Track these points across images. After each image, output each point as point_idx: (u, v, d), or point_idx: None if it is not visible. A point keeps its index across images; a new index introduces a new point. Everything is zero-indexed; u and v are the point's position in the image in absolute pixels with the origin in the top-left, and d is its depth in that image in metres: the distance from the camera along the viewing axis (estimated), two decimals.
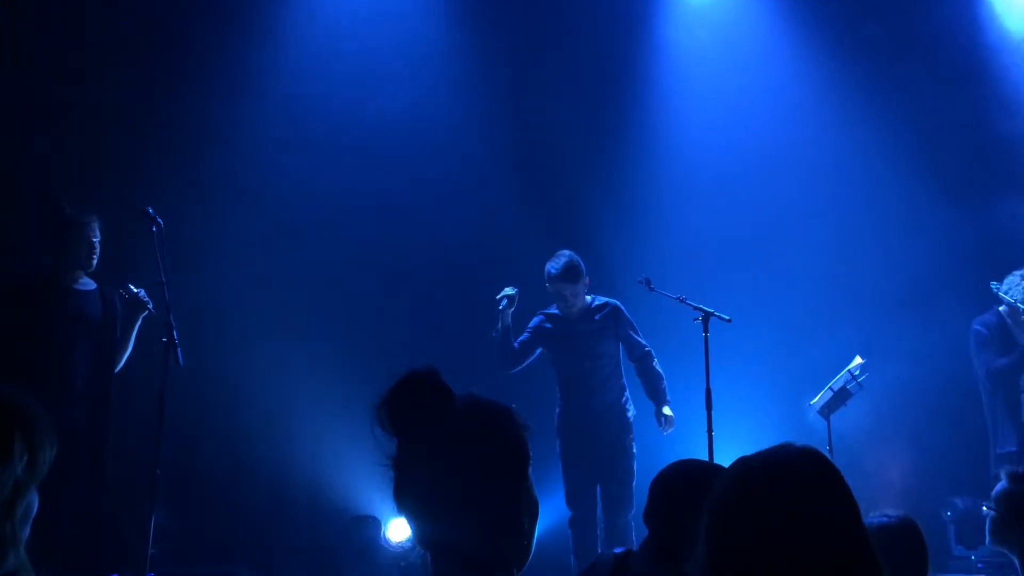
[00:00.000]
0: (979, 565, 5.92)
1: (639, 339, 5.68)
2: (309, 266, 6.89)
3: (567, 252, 5.58)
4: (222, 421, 6.41)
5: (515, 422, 1.56)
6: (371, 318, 6.96)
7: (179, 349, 4.77)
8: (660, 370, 5.67)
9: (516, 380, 5.71)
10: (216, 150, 6.64)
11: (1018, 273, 5.75)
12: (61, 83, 6.24)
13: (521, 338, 5.69)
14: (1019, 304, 5.66)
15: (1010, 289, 5.74)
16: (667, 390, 5.63)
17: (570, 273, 5.49)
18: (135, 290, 4.90)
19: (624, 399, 5.67)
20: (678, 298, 5.46)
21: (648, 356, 5.67)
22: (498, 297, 5.64)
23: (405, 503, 1.54)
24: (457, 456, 1.50)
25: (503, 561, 1.53)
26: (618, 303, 5.71)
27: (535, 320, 5.75)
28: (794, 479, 1.35)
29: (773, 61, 7.45)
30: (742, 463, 1.41)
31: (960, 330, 6.14)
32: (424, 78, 7.11)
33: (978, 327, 5.80)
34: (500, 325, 5.61)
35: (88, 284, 4.92)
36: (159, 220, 4.92)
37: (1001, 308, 5.81)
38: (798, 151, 7.27)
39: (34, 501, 1.64)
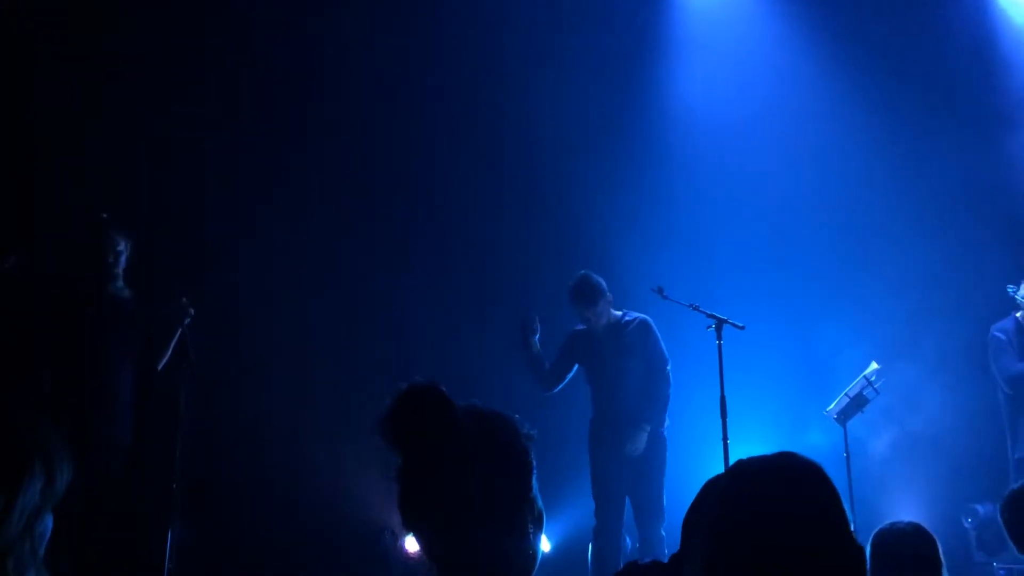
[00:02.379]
0: (1001, 572, 5.85)
1: (660, 354, 5.60)
2: (329, 279, 6.93)
3: (581, 273, 5.57)
4: (239, 434, 6.44)
5: (517, 432, 1.57)
6: (391, 330, 6.99)
7: (193, 359, 4.81)
8: (661, 390, 5.54)
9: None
10: (229, 155, 6.68)
11: None
12: (86, 83, 6.32)
13: (553, 359, 5.72)
14: None
15: None
16: (657, 414, 5.48)
17: (581, 295, 5.51)
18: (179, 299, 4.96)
19: None
20: (691, 306, 5.44)
21: (656, 372, 5.57)
22: (519, 328, 5.64)
23: (410, 515, 1.55)
24: (460, 467, 1.51)
25: (509, 571, 1.54)
26: (648, 319, 5.67)
27: (565, 339, 5.77)
28: (781, 486, 1.38)
29: (786, 64, 7.41)
30: (738, 467, 1.45)
31: (980, 334, 6.09)
32: (428, 82, 7.14)
33: (996, 333, 5.77)
34: (527, 354, 5.64)
35: (124, 291, 5.00)
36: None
37: (1019, 314, 5.77)
38: (811, 156, 7.23)
39: (49, 523, 1.70)
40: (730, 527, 1.37)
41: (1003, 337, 5.71)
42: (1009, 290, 5.80)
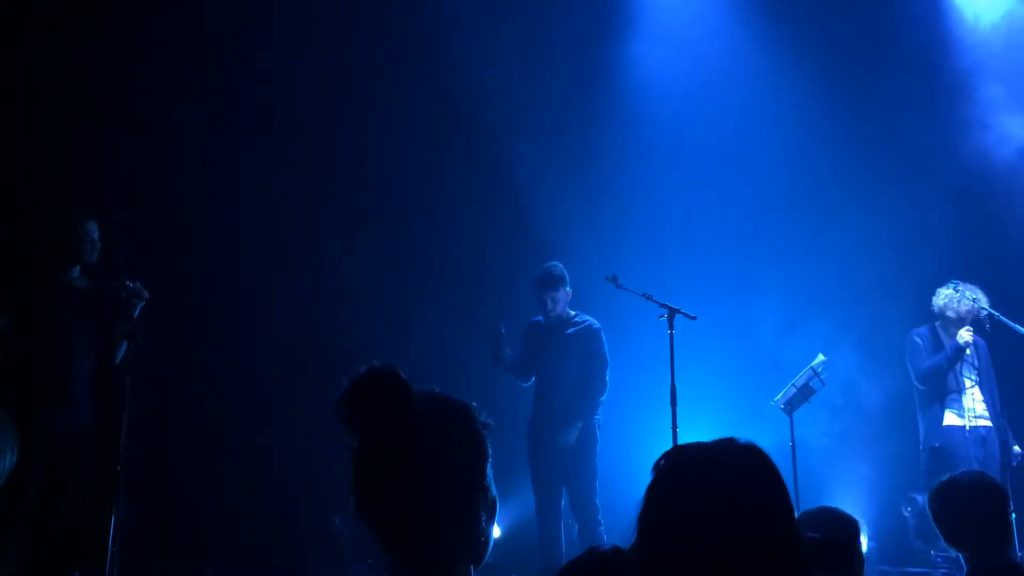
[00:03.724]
0: (938, 559, 6.02)
1: (601, 359, 5.72)
2: (285, 262, 6.88)
3: (553, 262, 5.78)
4: (189, 417, 6.36)
5: (475, 419, 1.57)
6: (349, 314, 6.96)
7: (142, 344, 4.74)
8: (596, 391, 5.65)
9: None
10: (185, 157, 6.60)
11: (953, 285, 6.09)
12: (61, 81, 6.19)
13: (520, 352, 5.88)
14: (961, 300, 5.99)
15: (951, 297, 6.03)
16: (588, 411, 5.60)
17: (545, 278, 5.70)
18: (132, 283, 4.86)
19: None
20: (644, 295, 5.49)
21: (595, 374, 5.67)
22: (489, 344, 5.73)
23: (364, 500, 1.54)
24: (415, 453, 1.50)
25: (461, 557, 1.54)
26: (596, 324, 5.78)
27: (523, 332, 5.95)
28: (725, 469, 1.30)
29: (732, 45, 7.48)
30: (676, 451, 1.37)
31: (925, 321, 6.29)
32: (403, 83, 7.11)
33: (913, 337, 6.24)
34: (503, 363, 5.75)
35: (83, 281, 4.92)
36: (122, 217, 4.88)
37: (937, 323, 6.17)
38: (764, 148, 7.31)
39: None
40: (664, 519, 1.28)
41: (919, 341, 6.19)
42: (951, 285, 6.06)
